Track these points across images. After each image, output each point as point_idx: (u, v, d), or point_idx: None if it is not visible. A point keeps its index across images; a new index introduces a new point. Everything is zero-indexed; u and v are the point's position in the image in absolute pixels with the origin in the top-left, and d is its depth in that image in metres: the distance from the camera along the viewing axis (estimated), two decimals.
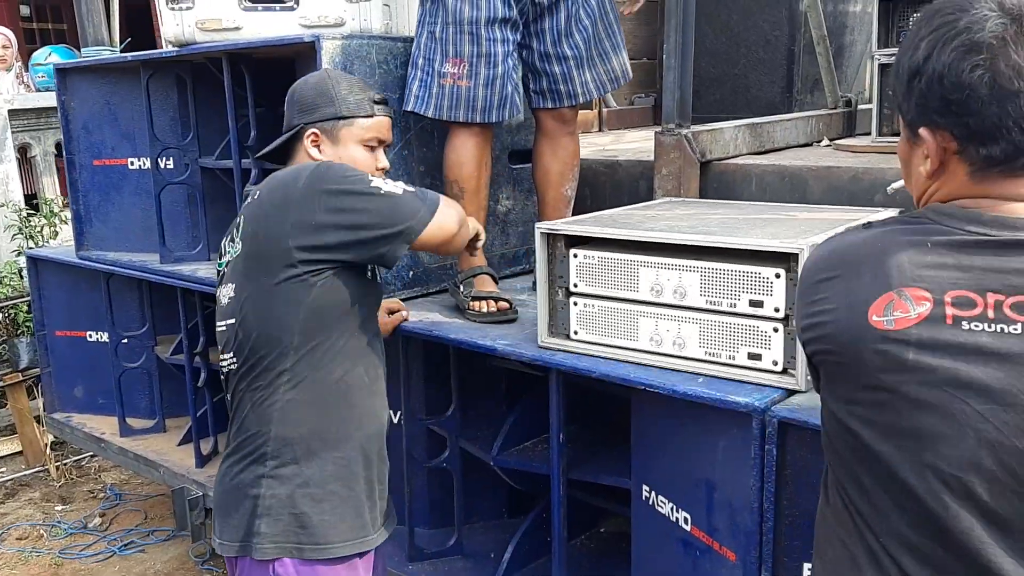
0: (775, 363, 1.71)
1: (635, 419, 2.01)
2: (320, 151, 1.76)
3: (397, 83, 2.36)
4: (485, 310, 2.20)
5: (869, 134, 2.97)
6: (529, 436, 2.32)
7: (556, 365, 1.95)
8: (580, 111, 2.54)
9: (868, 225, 1.08)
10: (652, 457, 1.97)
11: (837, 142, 3.15)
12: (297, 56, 2.52)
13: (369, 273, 1.75)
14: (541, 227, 1.93)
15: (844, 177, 2.45)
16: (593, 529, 2.52)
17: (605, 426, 2.35)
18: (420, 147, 2.46)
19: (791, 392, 1.69)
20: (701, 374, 1.77)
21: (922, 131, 1.03)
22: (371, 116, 1.78)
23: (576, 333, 1.93)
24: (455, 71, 2.19)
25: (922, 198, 1.10)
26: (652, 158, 2.70)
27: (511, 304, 2.21)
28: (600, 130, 4.33)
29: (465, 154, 2.27)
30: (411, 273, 2.47)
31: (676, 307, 1.80)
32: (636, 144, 3.57)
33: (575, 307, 1.93)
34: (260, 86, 2.66)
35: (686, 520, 1.84)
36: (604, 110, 4.32)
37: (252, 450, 1.64)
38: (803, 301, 1.09)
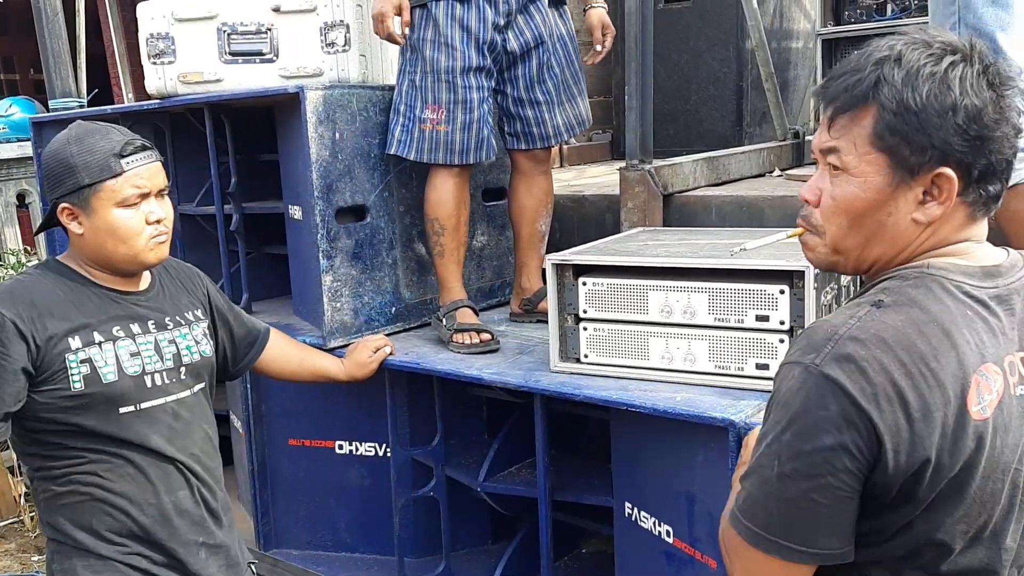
0: None
1: (615, 439, 2.11)
2: (80, 225, 1.59)
3: (377, 129, 2.47)
4: (468, 342, 2.29)
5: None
6: (513, 461, 2.40)
7: (540, 390, 2.04)
8: None
9: (883, 305, 0.96)
10: (633, 475, 2.06)
11: (788, 172, 3.33)
12: (276, 105, 2.61)
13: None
14: (552, 259, 2.05)
15: (796, 205, 2.58)
16: (575, 550, 2.60)
17: (585, 448, 2.45)
18: (399, 188, 2.56)
19: None
20: (712, 386, 1.90)
21: (945, 171, 0.97)
22: (119, 174, 1.56)
23: (587, 356, 2.05)
24: (434, 116, 2.32)
25: (904, 252, 1.01)
26: (617, 192, 2.84)
27: (493, 335, 2.31)
28: (562, 166, 4.47)
29: (445, 193, 2.38)
30: (393, 309, 2.56)
31: (686, 326, 1.94)
32: (599, 179, 3.72)
33: (585, 332, 2.04)
34: (239, 133, 2.76)
35: (668, 533, 1.94)
36: (565, 147, 4.48)
37: None
38: (886, 422, 0.89)
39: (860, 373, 0.91)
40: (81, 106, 4.25)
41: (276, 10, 2.58)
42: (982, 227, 1.04)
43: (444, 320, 2.35)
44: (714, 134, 4.37)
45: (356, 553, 2.66)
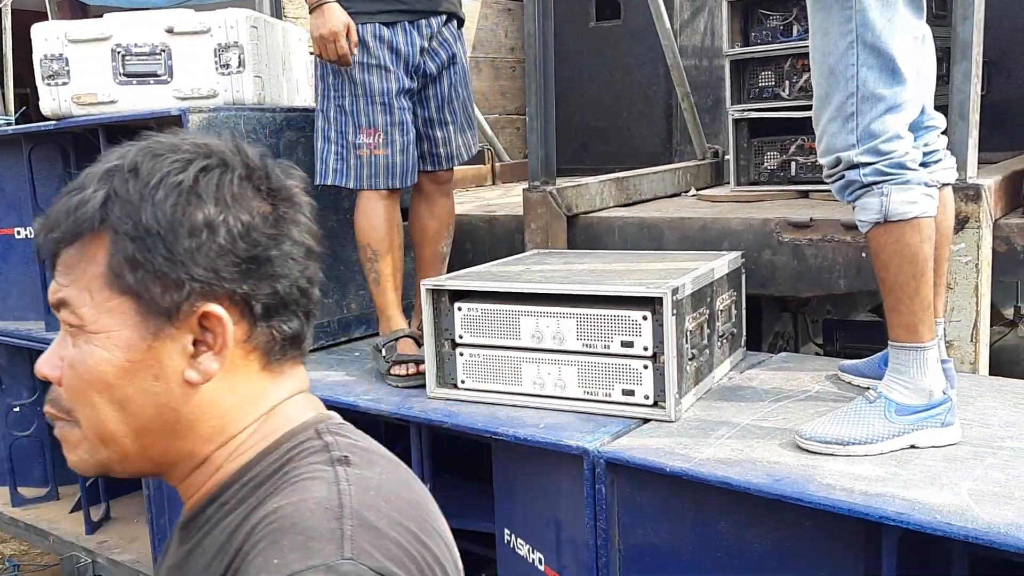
0: (647, 397, 1.87)
1: (495, 465, 2.09)
2: None
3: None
4: (404, 373, 2.23)
5: (729, 183, 3.16)
6: None
7: (413, 418, 2.02)
8: (470, 167, 2.66)
9: (351, 462, 0.76)
10: (511, 501, 2.05)
11: (702, 192, 3.33)
12: (170, 127, 2.58)
13: None
14: (427, 284, 2.03)
15: (695, 227, 2.61)
16: None
17: (477, 472, 2.42)
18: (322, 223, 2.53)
19: (660, 422, 1.83)
20: (581, 412, 1.90)
21: (211, 308, 0.75)
22: None
23: (463, 382, 2.04)
24: (371, 141, 2.28)
25: (176, 427, 0.77)
26: None
27: None
28: (493, 183, 4.47)
29: (376, 218, 2.32)
30: (337, 320, 2.52)
31: (555, 351, 1.93)
32: (519, 198, 3.70)
33: (461, 357, 2.03)
34: None
35: (540, 560, 1.92)
36: (497, 165, 4.47)
37: None
38: None
39: (396, 548, 0.69)
40: (9, 123, 4.22)
41: (170, 31, 2.55)
42: (299, 378, 0.84)
43: (384, 351, 2.29)
44: (644, 151, 4.38)
45: None
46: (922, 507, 1.35)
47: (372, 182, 2.30)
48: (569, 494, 1.80)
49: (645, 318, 1.83)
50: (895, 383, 1.61)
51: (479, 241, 3.12)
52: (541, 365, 1.95)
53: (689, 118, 3.58)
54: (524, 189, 2.81)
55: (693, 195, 3.34)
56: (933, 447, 1.58)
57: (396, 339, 2.32)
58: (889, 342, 1.62)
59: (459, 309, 2.02)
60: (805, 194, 2.92)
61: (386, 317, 2.38)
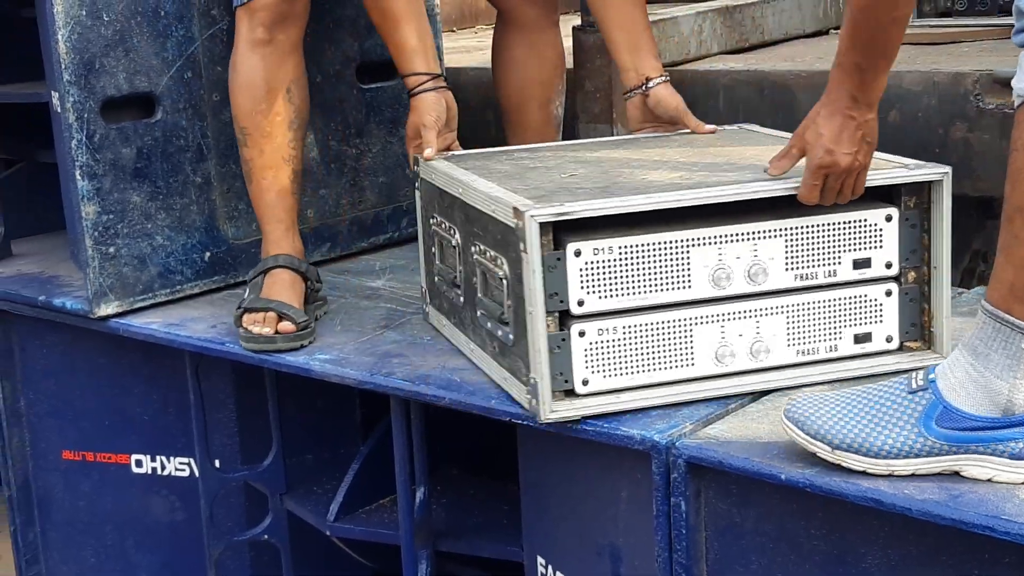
0: (889, 339, 1.88)
1: (523, 464, 2.09)
2: None
3: None
4: (256, 331, 2.20)
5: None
6: (390, 488, 2.38)
7: (395, 390, 2.01)
8: None
9: None
10: (546, 517, 2.05)
11: None
12: None
13: None
14: (537, 214, 1.72)
15: None
16: None
17: (499, 466, 2.42)
18: (212, 65, 2.51)
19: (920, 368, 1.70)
20: (791, 387, 1.85)
21: None
22: None
23: (587, 383, 1.82)
24: None
25: None
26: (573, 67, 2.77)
27: (300, 324, 2.20)
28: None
29: (236, 66, 2.33)
30: (207, 255, 2.53)
31: (752, 296, 1.85)
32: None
33: (581, 340, 1.81)
34: None
35: None
36: None
37: None
38: None
39: None
40: None
41: None
42: None
43: (248, 288, 2.30)
44: None
45: None
46: None
47: None
48: (632, 510, 1.79)
49: (888, 219, 1.83)
50: (961, 368, 1.50)
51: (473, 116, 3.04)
52: (727, 323, 1.85)
53: None
54: (575, 27, 2.78)
55: None
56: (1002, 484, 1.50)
57: (265, 271, 2.30)
58: (981, 301, 1.52)
59: (577, 254, 1.78)
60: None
61: (264, 232, 2.38)
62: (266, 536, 2.51)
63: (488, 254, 1.90)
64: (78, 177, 2.33)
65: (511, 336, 1.85)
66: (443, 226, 2.10)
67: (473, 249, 1.96)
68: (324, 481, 2.52)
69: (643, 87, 2.29)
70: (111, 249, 2.38)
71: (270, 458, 2.49)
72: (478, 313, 1.97)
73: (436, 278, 2.18)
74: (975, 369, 1.49)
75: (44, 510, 2.72)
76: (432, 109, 2.24)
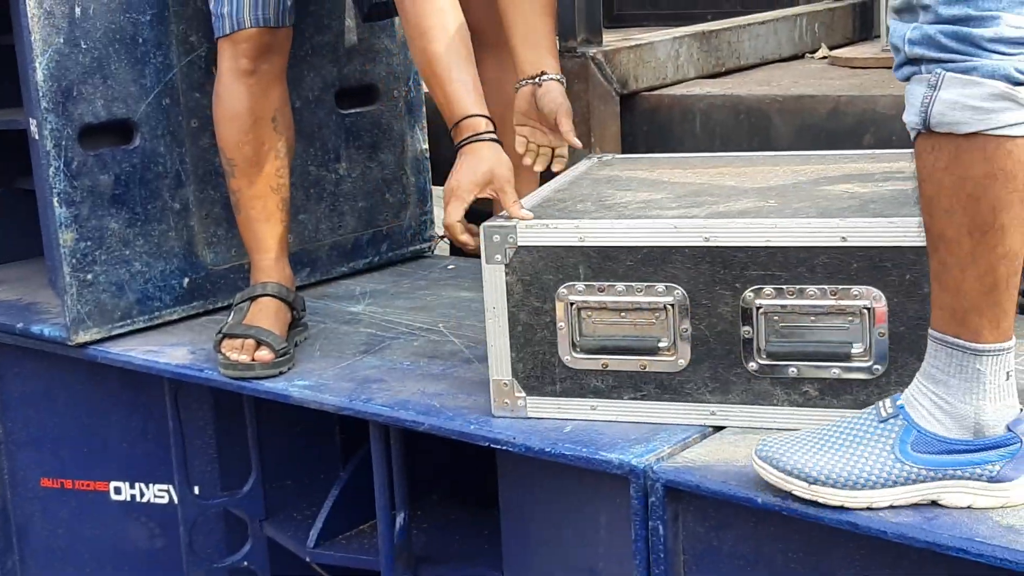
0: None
1: (503, 488, 2.08)
2: None
3: (147, 0, 2.41)
4: (234, 358, 2.19)
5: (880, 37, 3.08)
6: (370, 514, 2.38)
7: (373, 415, 2.02)
8: None
9: None
10: (525, 542, 2.05)
11: (836, 52, 3.24)
12: None
13: None
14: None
15: (821, 111, 2.55)
16: None
17: (483, 491, 2.42)
18: (190, 91, 2.51)
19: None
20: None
21: None
22: None
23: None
24: None
25: None
26: None
27: (280, 352, 2.20)
28: None
29: (221, 98, 2.33)
30: (185, 281, 2.52)
31: None
32: None
33: None
34: None
35: None
36: None
37: None
38: None
39: None
40: None
41: None
42: None
43: (232, 313, 2.30)
44: None
45: None
46: None
47: (233, 20, 2.27)
48: (610, 534, 1.80)
49: None
50: (925, 397, 1.50)
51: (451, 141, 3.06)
52: None
53: None
54: None
55: (823, 57, 3.29)
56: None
57: (250, 299, 2.30)
58: (929, 331, 1.52)
59: None
60: None
61: (252, 261, 2.39)
62: (246, 563, 2.51)
63: (807, 291, 1.74)
64: (56, 204, 2.32)
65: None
66: (611, 290, 1.82)
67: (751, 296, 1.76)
68: (304, 507, 2.51)
69: (537, 79, 2.21)
70: (89, 276, 2.37)
71: (249, 484, 2.48)
72: (768, 363, 1.78)
73: (569, 357, 1.86)
74: (938, 397, 1.49)
75: (23, 537, 2.71)
76: (505, 159, 2.01)
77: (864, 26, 3.52)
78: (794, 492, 1.52)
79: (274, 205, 2.37)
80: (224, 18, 2.27)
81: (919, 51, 1.41)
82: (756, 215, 1.79)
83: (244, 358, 2.19)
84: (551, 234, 1.82)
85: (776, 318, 1.75)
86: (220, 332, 2.25)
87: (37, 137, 2.40)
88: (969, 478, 1.49)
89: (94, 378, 2.55)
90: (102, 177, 2.39)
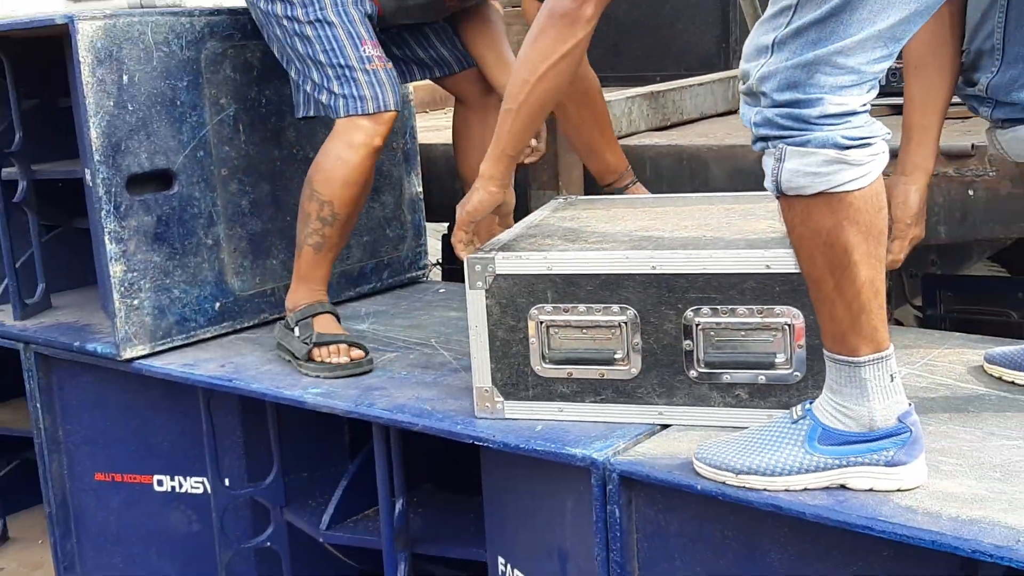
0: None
1: (485, 478, 2.09)
2: None
3: (184, 67, 2.40)
4: (335, 360, 2.18)
5: None
6: (374, 501, 2.37)
7: (376, 417, 2.01)
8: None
9: None
10: (505, 523, 2.05)
11: None
12: (64, 39, 2.54)
13: None
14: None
15: (749, 158, 2.54)
16: None
17: (469, 483, 2.41)
18: (220, 145, 2.50)
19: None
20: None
21: None
22: None
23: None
24: (378, 53, 2.26)
25: None
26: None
27: (367, 351, 2.21)
28: None
29: (354, 170, 2.25)
30: (217, 305, 2.51)
31: None
32: None
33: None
34: (30, 73, 2.72)
35: None
36: None
37: None
38: None
39: None
40: None
41: None
42: None
43: (297, 329, 2.26)
44: (693, 53, 4.29)
45: None
46: None
47: (380, 101, 2.23)
48: (575, 517, 1.80)
49: None
50: (827, 403, 1.53)
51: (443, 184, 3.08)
52: None
53: (749, 11, 3.49)
54: None
55: None
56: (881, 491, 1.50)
57: (315, 314, 2.29)
58: (823, 351, 1.54)
59: None
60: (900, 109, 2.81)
61: (308, 285, 2.34)
62: (269, 544, 2.51)
63: (738, 311, 1.74)
64: (107, 241, 2.32)
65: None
66: (574, 310, 1.82)
67: (691, 315, 1.76)
68: (318, 495, 2.51)
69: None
70: (135, 301, 2.37)
71: (272, 476, 2.48)
72: (706, 371, 1.78)
73: (540, 367, 1.85)
74: (837, 403, 1.51)
75: (79, 524, 2.70)
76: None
77: None
78: (727, 482, 1.54)
79: (341, 248, 2.40)
80: (365, 100, 2.22)
81: (763, 131, 1.44)
82: (695, 247, 1.80)
83: (344, 360, 2.18)
84: (524, 264, 1.83)
85: (712, 333, 1.77)
86: (307, 343, 2.21)
87: (91, 184, 2.39)
88: (869, 464, 1.50)
89: (139, 388, 2.53)
90: (146, 218, 2.38)
